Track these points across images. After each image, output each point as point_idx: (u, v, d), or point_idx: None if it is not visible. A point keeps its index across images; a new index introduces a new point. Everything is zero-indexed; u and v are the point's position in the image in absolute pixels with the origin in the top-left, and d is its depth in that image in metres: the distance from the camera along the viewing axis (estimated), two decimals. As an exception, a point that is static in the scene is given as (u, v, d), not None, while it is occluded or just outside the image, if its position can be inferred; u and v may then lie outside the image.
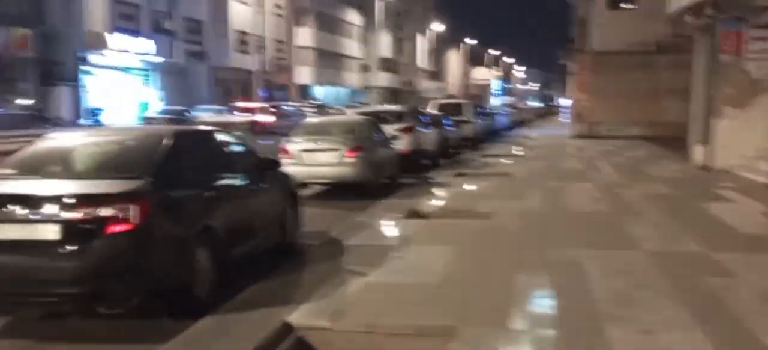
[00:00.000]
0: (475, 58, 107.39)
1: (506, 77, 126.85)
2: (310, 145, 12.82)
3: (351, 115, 16.33)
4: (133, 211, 4.89)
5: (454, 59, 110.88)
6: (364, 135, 13.43)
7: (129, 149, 5.79)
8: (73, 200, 4.87)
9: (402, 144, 17.18)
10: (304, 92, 65.09)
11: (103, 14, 36.40)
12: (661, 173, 16.13)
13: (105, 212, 4.83)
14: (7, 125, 30.22)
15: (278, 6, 59.39)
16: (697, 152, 17.41)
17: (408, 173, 16.19)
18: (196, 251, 5.54)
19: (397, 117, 18.20)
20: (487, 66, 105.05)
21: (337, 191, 13.32)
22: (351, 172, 12.65)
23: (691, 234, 8.70)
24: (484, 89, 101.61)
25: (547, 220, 9.91)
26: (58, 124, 33.44)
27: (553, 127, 46.01)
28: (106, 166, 5.64)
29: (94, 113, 35.04)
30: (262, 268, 6.95)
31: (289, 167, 12.62)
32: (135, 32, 38.75)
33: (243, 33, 51.70)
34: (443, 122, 23.52)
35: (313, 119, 14.87)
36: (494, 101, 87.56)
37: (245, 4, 51.71)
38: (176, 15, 43.08)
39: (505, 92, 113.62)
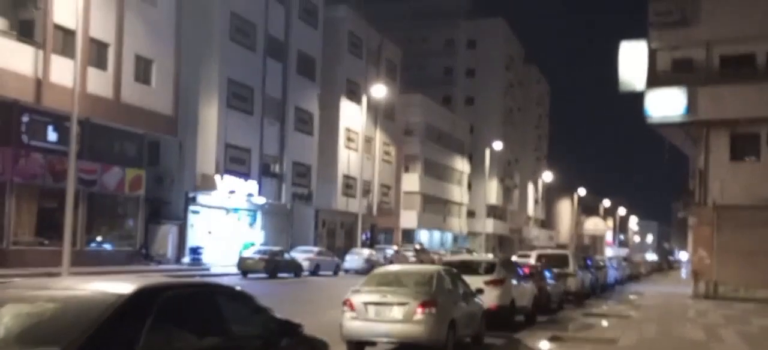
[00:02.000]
0: (587, 208, 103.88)
1: (621, 228, 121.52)
2: (376, 297, 11.53)
3: (427, 265, 14.88)
4: None
5: (565, 208, 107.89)
6: (441, 288, 12.02)
7: (63, 312, 4.53)
8: None
9: (490, 298, 15.62)
10: (408, 235, 64.53)
11: (216, 157, 37.71)
12: (800, 349, 13.55)
13: None
14: (112, 261, 31.28)
15: (387, 153, 60.27)
16: None
17: (497, 330, 14.57)
18: None
19: (487, 268, 16.69)
20: (601, 216, 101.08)
21: (407, 350, 11.84)
22: (420, 331, 11.19)
23: None
24: (597, 239, 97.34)
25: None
26: (160, 261, 34.26)
27: (671, 284, 42.38)
28: (25, 335, 4.35)
29: (195, 251, 35.58)
30: None
31: (351, 322, 11.48)
32: (244, 175, 39.85)
33: (350, 177, 52.35)
34: (544, 274, 21.79)
35: (385, 268, 13.63)
36: (608, 253, 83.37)
37: (354, 150, 52.70)
38: (285, 159, 44.25)
39: (620, 243, 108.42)
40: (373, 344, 11.95)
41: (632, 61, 30.17)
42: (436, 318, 11.30)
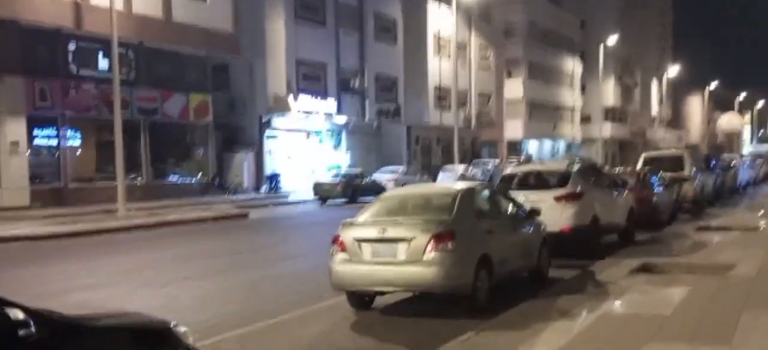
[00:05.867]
0: (721, 103, 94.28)
1: (761, 123, 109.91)
2: (372, 231, 8.36)
3: (450, 185, 11.29)
4: None
5: (695, 105, 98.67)
6: (466, 213, 8.65)
7: None
8: None
9: (563, 218, 12.13)
10: (515, 147, 60.33)
11: (288, 77, 35.18)
12: None
13: None
14: (183, 193, 29.81)
15: (485, 58, 55.66)
16: None
17: (573, 258, 11.31)
18: None
19: (560, 179, 13.04)
20: (737, 111, 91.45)
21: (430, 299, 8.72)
22: (430, 275, 7.96)
23: None
24: (733, 137, 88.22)
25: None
26: (236, 191, 32.55)
27: (822, 181, 36.15)
28: None
29: (272, 179, 33.62)
30: None
31: (341, 266, 8.42)
32: (321, 93, 37.18)
33: (443, 88, 48.55)
34: (650, 181, 17.89)
35: (393, 191, 10.34)
36: (747, 151, 75.24)
37: (446, 57, 48.59)
38: (368, 72, 41.11)
39: (761, 139, 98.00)
40: (381, 293, 8.88)
41: None
42: (455, 256, 8.02)
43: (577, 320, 7.34)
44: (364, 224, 8.61)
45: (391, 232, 8.22)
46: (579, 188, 12.63)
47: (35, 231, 18.91)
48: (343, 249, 8.39)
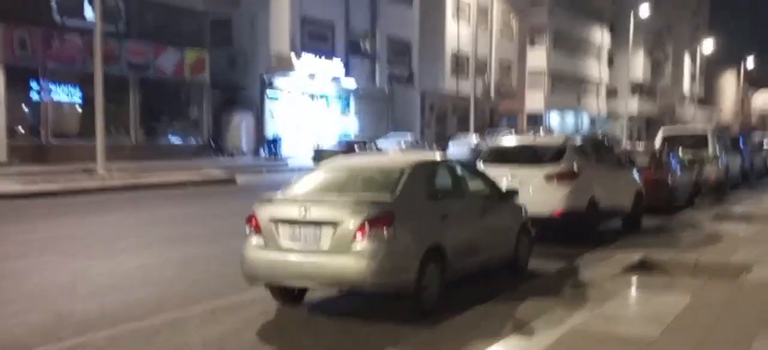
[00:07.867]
0: (757, 82, 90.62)
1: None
2: (293, 211, 6.69)
3: (399, 157, 9.37)
4: None
5: (729, 83, 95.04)
6: (414, 192, 6.96)
7: None
8: None
9: (554, 200, 10.48)
10: (535, 120, 58.14)
11: (291, 34, 33.41)
12: None
13: None
14: (176, 155, 28.39)
15: (507, 24, 53.33)
16: None
17: (566, 244, 10.06)
18: None
19: (555, 155, 11.28)
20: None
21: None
22: (359, 270, 6.29)
23: None
24: None
25: None
26: (233, 154, 31.10)
27: None
28: None
29: (272, 143, 32.05)
30: None
31: (255, 253, 6.81)
32: (327, 53, 35.37)
33: (461, 55, 46.45)
34: (667, 160, 16.20)
35: (338, 160, 8.51)
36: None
37: (465, 22, 46.43)
38: (379, 34, 39.17)
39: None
40: (300, 291, 7.23)
41: None
42: (393, 246, 6.36)
43: (532, 338, 5.66)
44: (285, 200, 6.95)
45: (315, 213, 6.56)
46: (575, 166, 10.90)
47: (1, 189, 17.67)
48: (258, 231, 6.79)
